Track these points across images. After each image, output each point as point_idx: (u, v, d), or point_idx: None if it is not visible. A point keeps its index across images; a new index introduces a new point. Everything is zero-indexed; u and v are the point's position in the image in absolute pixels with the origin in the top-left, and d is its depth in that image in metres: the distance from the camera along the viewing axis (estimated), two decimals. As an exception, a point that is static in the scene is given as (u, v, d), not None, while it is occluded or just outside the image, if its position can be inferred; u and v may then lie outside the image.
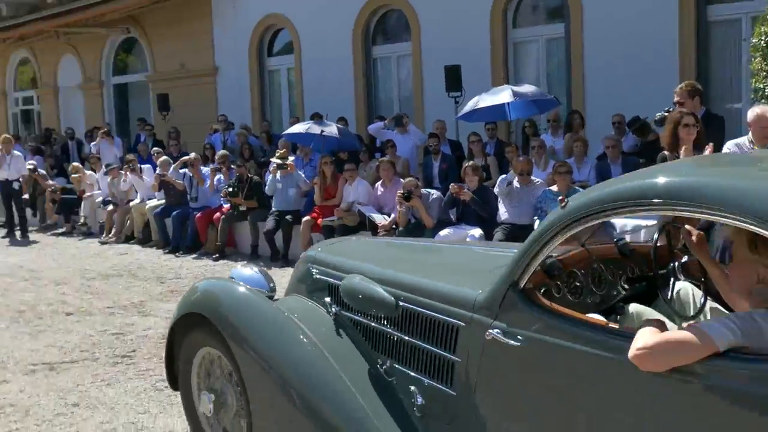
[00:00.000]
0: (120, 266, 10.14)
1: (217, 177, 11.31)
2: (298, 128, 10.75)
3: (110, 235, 12.27)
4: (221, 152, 11.92)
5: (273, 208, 10.38)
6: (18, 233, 12.90)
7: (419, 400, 3.03)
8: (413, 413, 3.05)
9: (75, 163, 14.56)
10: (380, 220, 8.94)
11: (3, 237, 12.94)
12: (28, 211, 13.86)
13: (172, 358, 4.05)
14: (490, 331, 2.70)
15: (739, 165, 2.76)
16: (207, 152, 12.97)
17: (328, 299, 3.64)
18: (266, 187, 10.56)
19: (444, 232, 8.32)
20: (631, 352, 2.19)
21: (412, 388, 3.06)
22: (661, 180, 2.34)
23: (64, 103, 22.23)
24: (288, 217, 10.05)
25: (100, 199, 13.29)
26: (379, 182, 9.44)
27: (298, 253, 9.60)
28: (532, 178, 8.34)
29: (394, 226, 8.87)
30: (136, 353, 6.13)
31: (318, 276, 3.84)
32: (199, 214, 10.98)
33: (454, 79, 11.17)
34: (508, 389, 2.71)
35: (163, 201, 11.71)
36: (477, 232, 8.11)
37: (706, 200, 2.17)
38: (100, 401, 5.06)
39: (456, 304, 2.92)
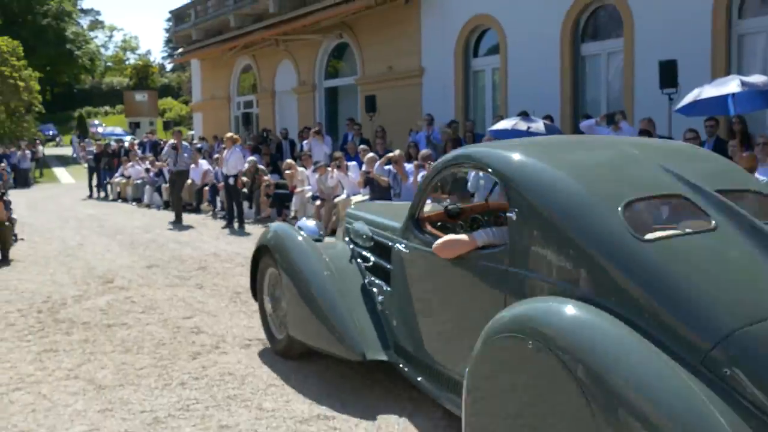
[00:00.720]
0: (327, 257, 10.58)
1: (420, 174, 11.48)
2: (505, 124, 10.69)
3: (318, 229, 12.84)
4: (424, 151, 12.11)
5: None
6: (236, 224, 13.90)
7: (380, 298, 4.96)
8: (377, 307, 4.98)
9: (288, 160, 15.45)
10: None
11: (223, 228, 13.99)
12: (245, 204, 14.88)
13: (255, 275, 6.01)
14: (398, 246, 4.66)
15: (529, 144, 4.37)
16: (411, 150, 13.22)
17: (347, 238, 5.63)
18: (469, 184, 10.57)
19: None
20: (434, 246, 4.10)
21: (375, 290, 5.02)
22: (467, 149, 4.45)
23: (280, 106, 23.71)
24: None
25: (309, 194, 14.00)
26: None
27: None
28: (757, 175, 7.66)
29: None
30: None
31: (346, 224, 5.76)
32: (402, 210, 11.20)
33: (669, 74, 10.57)
34: (407, 282, 4.58)
35: (368, 196, 12.09)
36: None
37: (473, 159, 4.13)
38: (308, 376, 5.28)
39: (391, 232, 4.85)
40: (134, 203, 20.42)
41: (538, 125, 10.19)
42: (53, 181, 33.72)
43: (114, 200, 21.95)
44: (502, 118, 12.76)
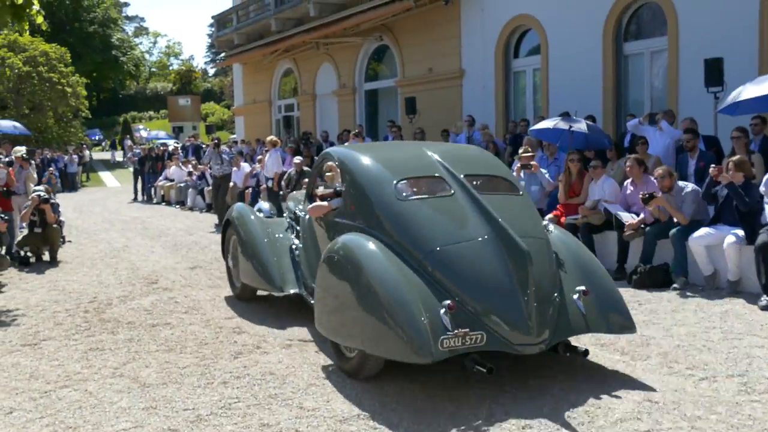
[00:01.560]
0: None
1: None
2: (546, 124, 10.58)
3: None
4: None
5: (515, 206, 10.30)
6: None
7: (296, 252, 7.18)
8: (294, 257, 7.18)
9: (329, 162, 15.47)
10: (628, 218, 8.50)
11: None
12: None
13: (224, 242, 8.28)
14: (300, 213, 7.08)
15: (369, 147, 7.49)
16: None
17: (285, 213, 7.95)
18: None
19: (699, 233, 7.73)
20: (308, 209, 6.48)
21: (293, 246, 7.26)
22: (329, 149, 6.92)
23: (320, 109, 23.86)
24: (530, 215, 9.92)
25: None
26: (628, 180, 8.98)
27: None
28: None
29: (642, 225, 8.41)
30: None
31: (286, 205, 8.14)
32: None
33: (714, 73, 10.39)
34: (305, 236, 6.88)
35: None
36: (738, 233, 7.44)
37: (333, 157, 6.50)
38: (348, 378, 5.31)
39: (301, 204, 7.28)
40: (177, 206, 20.71)
41: (580, 125, 10.07)
42: (99, 185, 34.40)
43: (158, 203, 22.30)
44: (543, 118, 12.65)
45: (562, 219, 9.32)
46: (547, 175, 10.35)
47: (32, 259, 10.91)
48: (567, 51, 14.48)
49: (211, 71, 76.54)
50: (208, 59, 78.32)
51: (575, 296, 5.06)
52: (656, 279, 7.98)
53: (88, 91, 43.32)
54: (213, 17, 29.59)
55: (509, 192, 5.75)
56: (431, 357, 4.47)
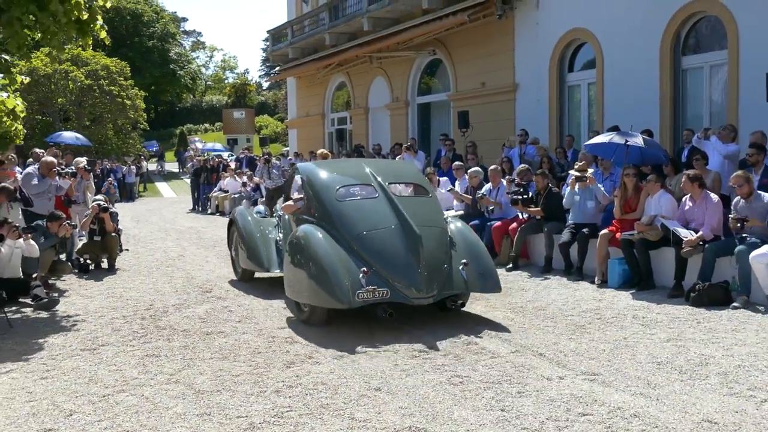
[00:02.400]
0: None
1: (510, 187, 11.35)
2: (602, 138, 10.42)
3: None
4: (521, 166, 11.98)
5: (570, 221, 10.18)
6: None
7: (279, 243, 9.11)
8: (277, 247, 9.20)
9: (297, 175, 15.49)
10: (686, 234, 8.32)
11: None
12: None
13: (229, 236, 10.49)
14: (279, 214, 9.49)
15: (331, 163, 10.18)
16: (504, 165, 13.09)
17: (275, 215, 10.02)
18: (564, 200, 10.39)
19: (762, 251, 7.52)
20: (282, 206, 9.21)
21: (278, 239, 9.28)
22: (299, 164, 9.77)
23: (373, 122, 23.98)
24: (585, 230, 9.79)
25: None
26: (687, 196, 8.79)
27: (593, 268, 9.38)
28: None
29: (701, 242, 8.22)
30: (432, 349, 6.34)
31: (277, 209, 10.06)
32: (495, 225, 11.12)
33: (777, 86, 10.14)
34: (283, 230, 9.04)
35: (461, 212, 12.05)
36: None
37: (299, 171, 8.71)
38: (399, 388, 5.30)
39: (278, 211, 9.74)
40: (231, 217, 20.95)
41: (636, 139, 9.90)
42: (156, 195, 35.11)
43: (212, 213, 22.65)
44: (597, 133, 12.51)
45: (618, 234, 9.18)
46: (602, 189, 10.21)
47: (91, 267, 11.19)
48: (623, 65, 14.30)
49: (266, 85, 77.65)
50: (263, 73, 79.60)
51: (460, 267, 7.24)
52: (715, 297, 7.79)
53: (146, 103, 44.33)
54: (268, 32, 30.03)
55: (421, 194, 8.12)
56: (350, 304, 6.77)
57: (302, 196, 8.25)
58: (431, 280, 6.95)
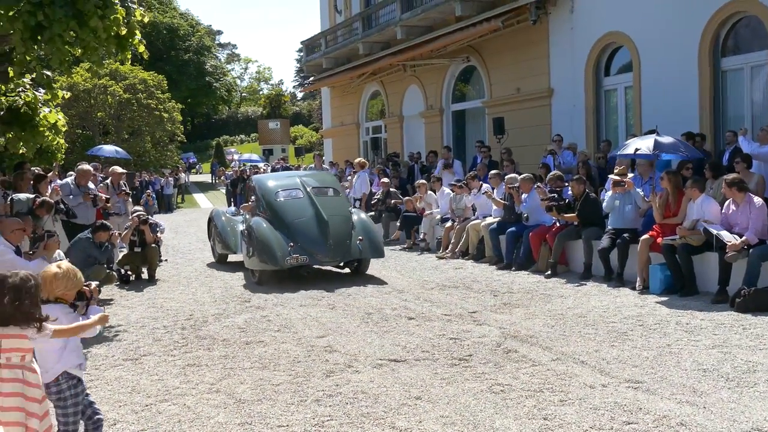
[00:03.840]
0: (455, 279, 10.57)
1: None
2: (629, 150, 10.18)
3: (446, 251, 12.87)
4: (554, 172, 11.89)
5: (609, 226, 10.05)
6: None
7: (247, 234, 11.31)
8: (241, 238, 11.92)
9: (421, 181, 15.43)
10: (730, 239, 8.15)
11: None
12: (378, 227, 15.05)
13: (209, 230, 14.01)
14: (247, 218, 11.99)
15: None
16: (541, 172, 13.00)
17: (243, 216, 12.63)
18: (604, 205, 10.26)
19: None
20: (241, 206, 14.11)
21: (241, 231, 12.05)
22: (253, 176, 15.11)
23: (407, 130, 23.97)
24: (625, 235, 9.66)
25: (438, 217, 14.02)
26: (729, 200, 8.63)
27: (634, 273, 9.25)
28: None
29: (745, 247, 8.05)
30: (472, 357, 6.29)
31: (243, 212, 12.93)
32: (533, 232, 11.03)
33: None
34: (245, 225, 11.94)
35: (498, 218, 11.99)
36: None
37: (253, 181, 12.66)
38: (440, 397, 5.27)
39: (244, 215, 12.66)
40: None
41: (664, 140, 9.70)
42: (193, 206, 35.50)
43: (249, 224, 22.79)
44: (634, 136, 12.32)
45: (659, 239, 9.03)
46: (641, 193, 10.06)
47: (132, 278, 11.34)
48: (661, 68, 14.11)
49: (300, 95, 78.16)
50: (297, 83, 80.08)
51: (357, 242, 10.72)
52: (762, 302, 7.61)
53: (183, 116, 44.91)
54: (302, 42, 30.23)
55: (334, 195, 11.56)
56: (282, 267, 10.26)
57: (254, 198, 11.69)
58: (336, 250, 10.57)
